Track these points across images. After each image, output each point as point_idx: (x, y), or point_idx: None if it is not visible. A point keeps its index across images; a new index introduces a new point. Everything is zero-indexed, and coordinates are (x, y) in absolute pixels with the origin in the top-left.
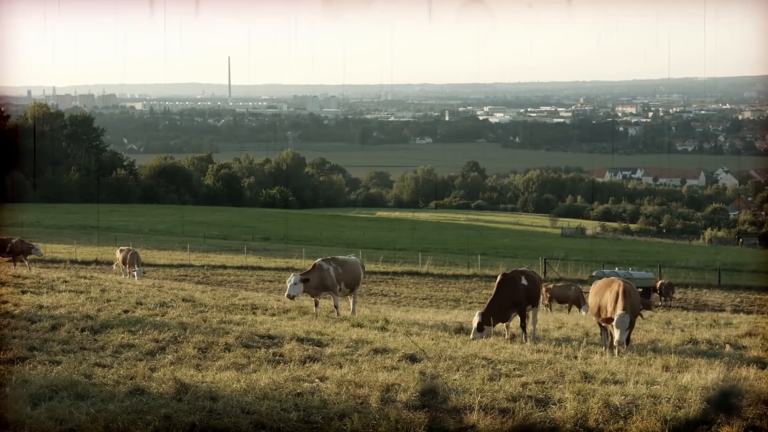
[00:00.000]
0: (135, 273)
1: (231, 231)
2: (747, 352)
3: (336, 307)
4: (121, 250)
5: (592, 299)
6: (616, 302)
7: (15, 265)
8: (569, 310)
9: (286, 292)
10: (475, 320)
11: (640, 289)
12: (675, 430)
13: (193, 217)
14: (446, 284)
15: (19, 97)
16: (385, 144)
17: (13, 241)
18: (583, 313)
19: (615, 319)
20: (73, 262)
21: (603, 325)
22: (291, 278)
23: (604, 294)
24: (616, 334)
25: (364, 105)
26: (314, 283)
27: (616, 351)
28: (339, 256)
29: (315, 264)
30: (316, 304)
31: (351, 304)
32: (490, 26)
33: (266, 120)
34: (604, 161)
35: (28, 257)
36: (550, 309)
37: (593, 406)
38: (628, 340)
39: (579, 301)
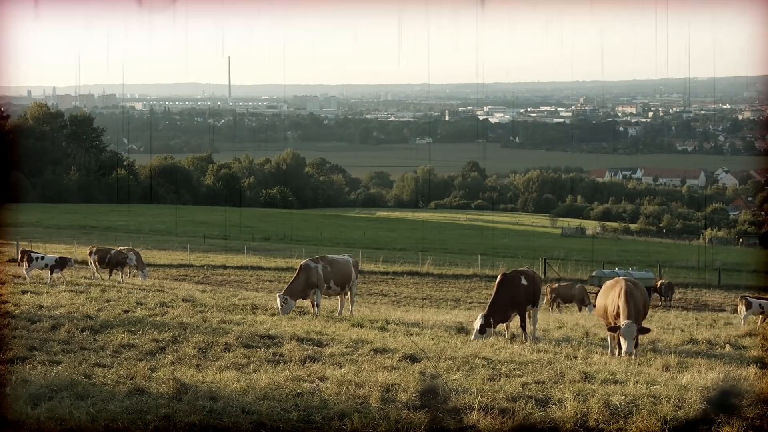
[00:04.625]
0: (141, 274)
1: (231, 231)
2: (747, 352)
3: (317, 305)
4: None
5: (599, 300)
6: (618, 302)
7: (110, 276)
8: (580, 309)
9: (279, 313)
10: (477, 322)
11: None
12: (675, 430)
13: (193, 217)
14: (446, 284)
15: (19, 97)
16: (385, 144)
17: (112, 251)
18: (588, 312)
19: (621, 329)
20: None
21: (607, 324)
22: (277, 300)
23: (609, 294)
24: (624, 344)
25: (364, 105)
26: (302, 284)
27: (624, 355)
28: (329, 255)
29: (301, 265)
30: (314, 304)
31: (349, 303)
32: (490, 26)
33: (266, 120)
34: (604, 161)
35: (125, 267)
36: (552, 308)
37: (593, 406)
38: (636, 343)
39: (584, 300)
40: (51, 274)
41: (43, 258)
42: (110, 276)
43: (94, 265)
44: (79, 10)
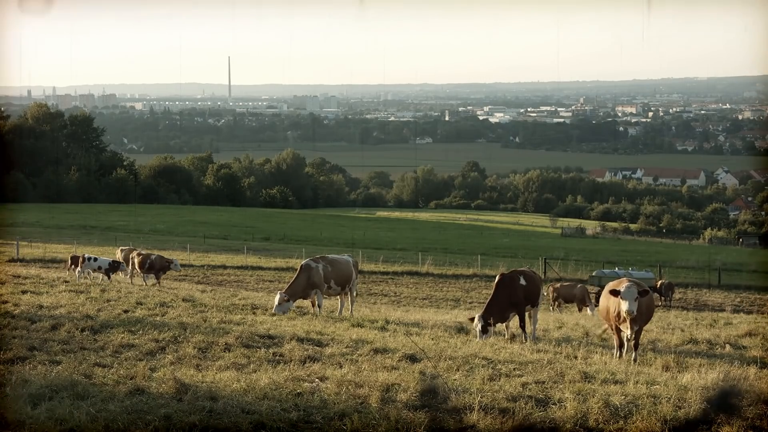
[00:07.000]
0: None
1: (231, 231)
2: (747, 352)
3: (319, 305)
4: (122, 250)
5: (602, 301)
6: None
7: (158, 282)
8: (580, 310)
9: (275, 310)
10: (477, 323)
11: None
12: (675, 430)
13: (193, 217)
14: (446, 284)
15: (19, 97)
16: (385, 144)
17: (153, 257)
18: (590, 312)
19: (621, 291)
20: None
21: (611, 325)
22: (276, 298)
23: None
24: (624, 305)
25: (364, 105)
26: (303, 284)
27: (626, 355)
28: (329, 255)
29: (302, 265)
30: (314, 304)
31: (349, 303)
32: (490, 26)
33: (266, 120)
34: (604, 161)
35: (167, 273)
36: (552, 308)
37: (593, 406)
38: (637, 343)
39: (585, 300)
40: (103, 276)
41: (96, 260)
42: (158, 281)
43: (135, 269)
44: (79, 9)
